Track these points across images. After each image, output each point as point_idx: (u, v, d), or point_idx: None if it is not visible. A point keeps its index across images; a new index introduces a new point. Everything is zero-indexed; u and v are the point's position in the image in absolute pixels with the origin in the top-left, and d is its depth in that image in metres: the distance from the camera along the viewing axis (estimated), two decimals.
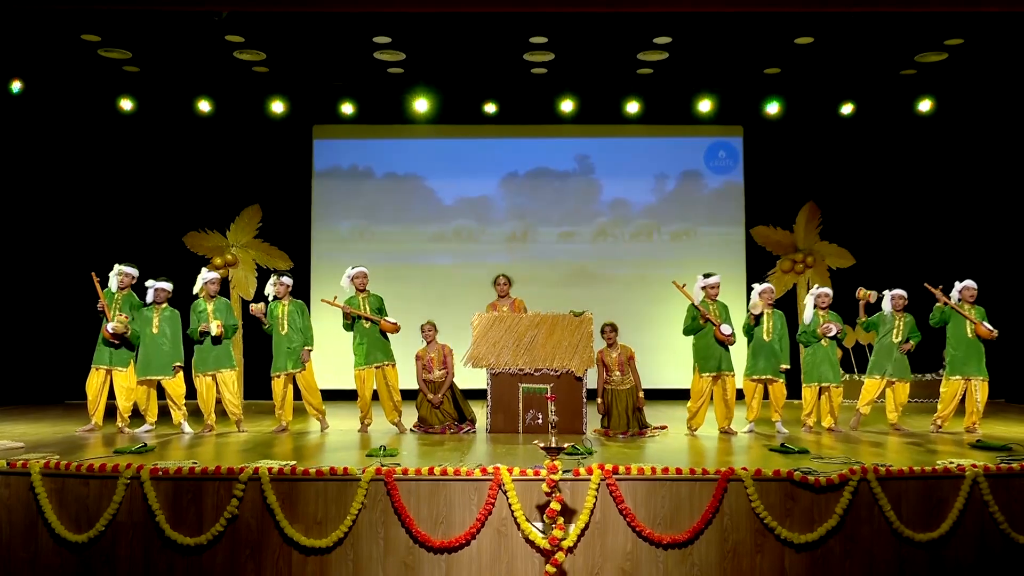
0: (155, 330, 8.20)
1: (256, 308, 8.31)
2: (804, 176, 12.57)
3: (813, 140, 12.50)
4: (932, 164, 12.42)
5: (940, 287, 8.55)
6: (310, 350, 8.42)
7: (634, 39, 10.23)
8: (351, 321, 8.41)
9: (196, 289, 8.42)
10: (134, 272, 8.41)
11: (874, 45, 10.29)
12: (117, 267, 8.37)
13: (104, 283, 8.28)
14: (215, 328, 8.15)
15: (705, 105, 11.82)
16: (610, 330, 8.17)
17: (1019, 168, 11.95)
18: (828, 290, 8.67)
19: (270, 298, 8.47)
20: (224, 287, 12.18)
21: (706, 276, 8.25)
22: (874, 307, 8.79)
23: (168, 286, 8.37)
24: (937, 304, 8.54)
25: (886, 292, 8.71)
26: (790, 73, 11.34)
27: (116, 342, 8.13)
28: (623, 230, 12.80)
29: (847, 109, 12.00)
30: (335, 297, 8.43)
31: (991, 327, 8.32)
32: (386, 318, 8.44)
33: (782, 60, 10.92)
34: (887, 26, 9.67)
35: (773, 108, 11.93)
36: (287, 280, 8.53)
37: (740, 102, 12.12)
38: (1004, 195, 12.12)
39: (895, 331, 8.55)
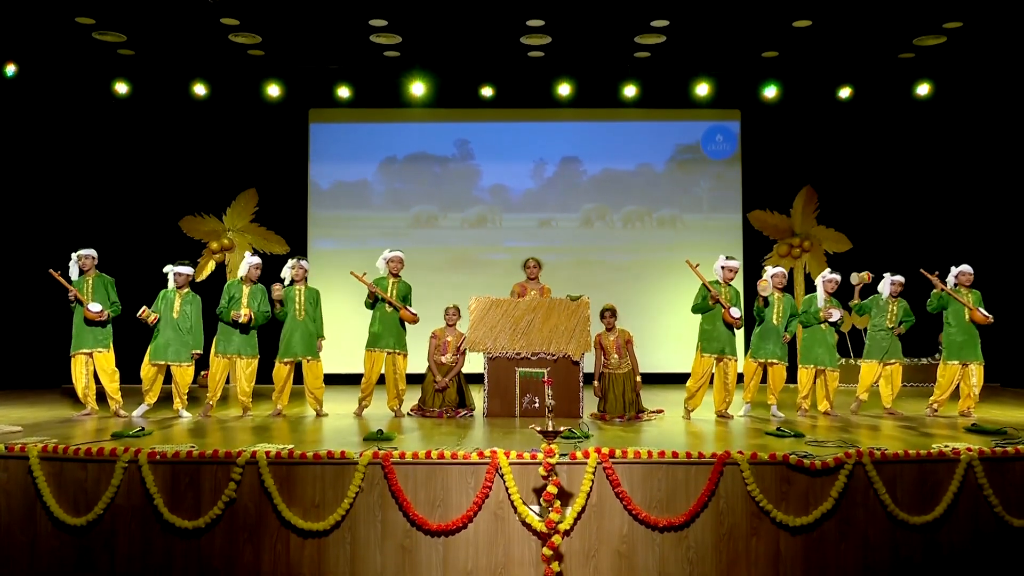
0: (176, 314, 8.11)
1: (278, 291, 8.23)
2: (801, 160, 12.55)
3: (811, 124, 12.47)
4: (930, 148, 12.41)
5: (936, 273, 8.58)
6: (323, 340, 8.43)
7: (632, 23, 10.18)
8: (373, 301, 8.40)
9: (242, 273, 8.32)
10: (93, 253, 8.29)
11: (872, 28, 10.25)
12: (74, 254, 8.25)
13: (65, 275, 8.16)
14: (243, 316, 8.08)
15: (703, 89, 11.78)
16: (609, 315, 8.17)
17: (1018, 152, 11.93)
18: (837, 276, 8.68)
19: (286, 282, 8.42)
20: (220, 271, 12.19)
21: (728, 258, 8.33)
22: (868, 290, 8.80)
23: (188, 270, 8.32)
24: (934, 290, 8.59)
25: (885, 275, 8.73)
26: (788, 57, 11.29)
27: (101, 319, 8.06)
28: (616, 215, 12.77)
29: (845, 93, 11.98)
30: (364, 273, 8.41)
31: (986, 312, 8.36)
32: (408, 307, 8.42)
33: (780, 43, 10.87)
34: (886, 9, 9.63)
35: (771, 92, 11.89)
36: (306, 264, 8.51)
37: (738, 86, 12.08)
38: (1002, 179, 12.12)
39: (889, 315, 8.59)
